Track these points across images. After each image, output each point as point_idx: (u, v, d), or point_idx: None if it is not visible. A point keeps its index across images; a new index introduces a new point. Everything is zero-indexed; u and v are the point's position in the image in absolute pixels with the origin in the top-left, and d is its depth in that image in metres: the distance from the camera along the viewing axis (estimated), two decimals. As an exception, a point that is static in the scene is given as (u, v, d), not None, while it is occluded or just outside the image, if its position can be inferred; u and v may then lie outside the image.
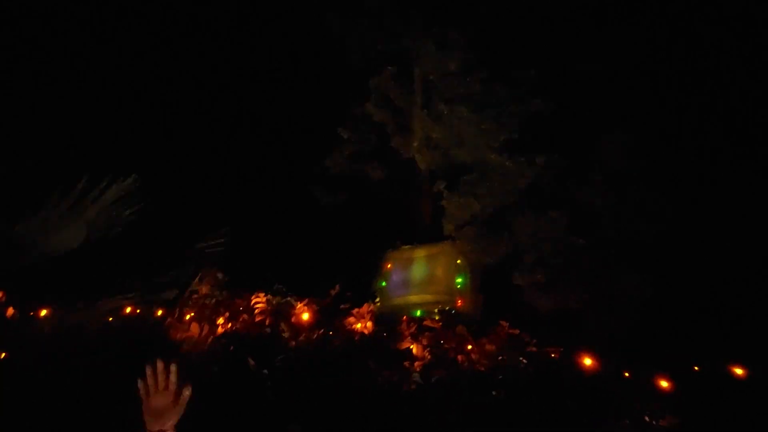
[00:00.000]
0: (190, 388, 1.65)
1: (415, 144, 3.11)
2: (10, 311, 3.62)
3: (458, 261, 3.37)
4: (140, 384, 1.65)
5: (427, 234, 3.59)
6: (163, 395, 1.60)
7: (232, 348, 2.40)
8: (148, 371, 1.65)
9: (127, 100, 3.53)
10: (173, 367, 1.64)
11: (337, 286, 2.62)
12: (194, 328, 2.81)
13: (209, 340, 2.64)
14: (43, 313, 3.49)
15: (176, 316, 3.00)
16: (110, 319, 2.91)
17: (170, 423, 1.57)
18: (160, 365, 1.63)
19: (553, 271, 2.67)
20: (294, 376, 2.13)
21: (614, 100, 2.90)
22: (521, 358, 2.33)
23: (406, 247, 3.58)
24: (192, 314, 2.91)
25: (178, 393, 1.62)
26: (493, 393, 2.06)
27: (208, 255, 2.64)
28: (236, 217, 2.85)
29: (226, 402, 2.23)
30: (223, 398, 2.21)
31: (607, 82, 2.88)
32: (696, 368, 2.09)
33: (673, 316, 2.43)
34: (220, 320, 2.66)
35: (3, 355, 3.35)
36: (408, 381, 2.14)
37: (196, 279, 2.60)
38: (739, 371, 2.04)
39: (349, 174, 3.57)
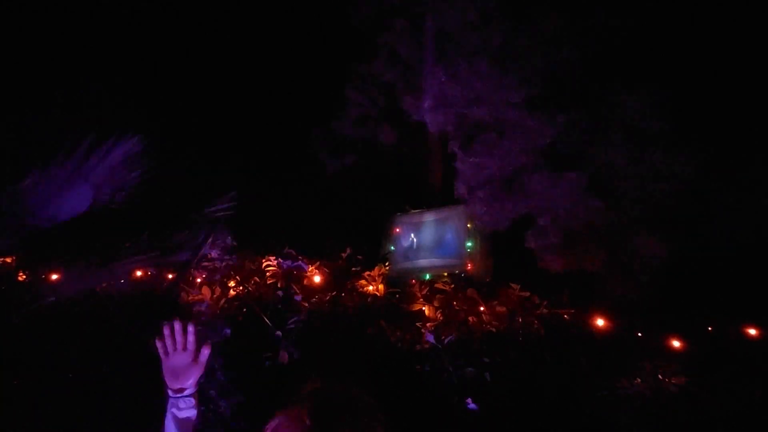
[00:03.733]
0: (210, 349, 1.66)
1: (427, 104, 2.99)
2: (21, 276, 3.64)
3: (468, 225, 3.34)
4: (158, 344, 1.65)
5: (438, 197, 3.54)
6: (182, 355, 1.60)
7: (245, 310, 2.42)
8: (166, 332, 1.65)
9: (130, 59, 3.39)
10: (191, 328, 1.64)
11: (348, 249, 2.61)
12: (206, 291, 2.83)
13: (221, 302, 2.66)
14: (54, 277, 3.52)
15: (188, 279, 3.01)
16: (122, 281, 2.93)
17: (190, 381, 1.58)
18: (177, 326, 1.63)
19: (569, 233, 2.63)
20: (307, 336, 2.15)
21: (638, 57, 2.75)
22: (533, 320, 2.35)
23: (416, 211, 3.54)
24: (203, 278, 2.92)
25: (196, 353, 1.62)
26: (505, 352, 2.08)
27: (218, 219, 2.62)
28: (243, 181, 2.81)
29: (240, 362, 2.27)
30: (236, 359, 2.25)
31: (632, 38, 2.72)
32: (710, 329, 2.09)
33: (690, 278, 2.41)
34: (232, 283, 2.67)
35: (16, 320, 3.40)
36: (421, 341, 2.17)
37: (206, 243, 2.58)
38: (752, 331, 2.04)
39: (356, 137, 3.48)
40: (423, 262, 3.34)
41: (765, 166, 2.43)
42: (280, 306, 2.35)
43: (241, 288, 2.56)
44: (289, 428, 1.48)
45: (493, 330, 2.34)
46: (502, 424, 1.58)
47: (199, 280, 2.93)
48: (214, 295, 2.75)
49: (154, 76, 3.38)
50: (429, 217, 3.52)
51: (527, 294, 2.59)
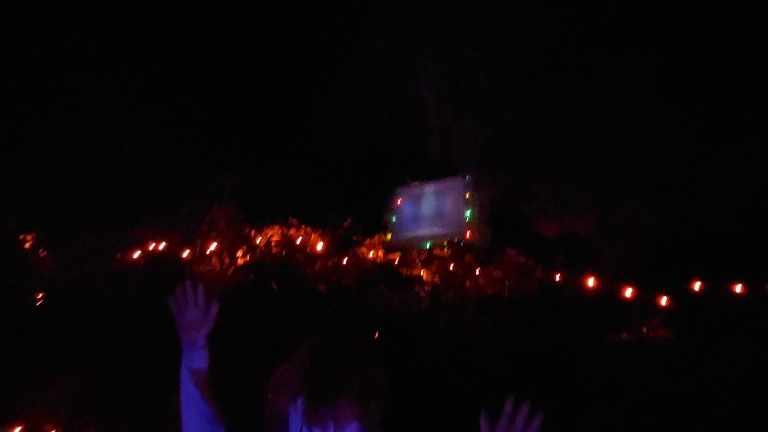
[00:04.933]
0: (218, 304, 1.81)
1: (421, 75, 3.02)
2: (43, 252, 3.83)
3: (467, 195, 3.42)
4: (171, 303, 1.82)
5: (438, 169, 3.60)
6: (193, 311, 1.76)
7: (252, 277, 2.55)
8: (178, 291, 1.80)
9: (132, 33, 3.42)
10: (200, 287, 1.79)
11: (349, 219, 2.72)
12: (215, 261, 2.98)
13: (230, 271, 2.81)
14: (73, 251, 3.69)
15: (197, 250, 3.16)
16: (136, 253, 3.08)
17: (201, 334, 1.75)
18: (188, 284, 1.78)
19: (561, 198, 2.69)
20: (310, 300, 2.28)
21: (628, 21, 2.72)
22: (527, 283, 2.44)
23: (416, 183, 3.62)
24: (212, 249, 3.06)
25: (206, 308, 1.78)
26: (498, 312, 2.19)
27: (223, 191, 2.73)
28: (246, 155, 2.90)
29: (249, 324, 2.42)
30: (247, 320, 2.40)
31: (621, 2, 2.69)
32: (697, 288, 2.16)
33: (683, 243, 2.47)
34: (239, 253, 2.81)
35: (41, 297, 3.60)
36: (418, 302, 2.28)
37: (213, 214, 2.71)
38: (738, 288, 2.11)
39: (355, 112, 3.52)
40: (423, 231, 3.44)
41: (760, 131, 2.44)
42: (284, 272, 2.48)
43: (248, 257, 2.70)
44: (291, 375, 1.62)
45: (489, 293, 2.44)
46: (493, 375, 1.70)
47: (208, 251, 3.07)
48: (224, 266, 2.90)
49: (154, 52, 3.43)
50: (429, 189, 3.60)
51: (523, 259, 2.67)
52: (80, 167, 2.33)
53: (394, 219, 3.56)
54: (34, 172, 2.43)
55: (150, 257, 3.16)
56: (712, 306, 2.02)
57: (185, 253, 3.00)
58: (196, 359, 1.72)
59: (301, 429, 1.51)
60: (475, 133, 2.73)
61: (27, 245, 3.81)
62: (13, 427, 3.01)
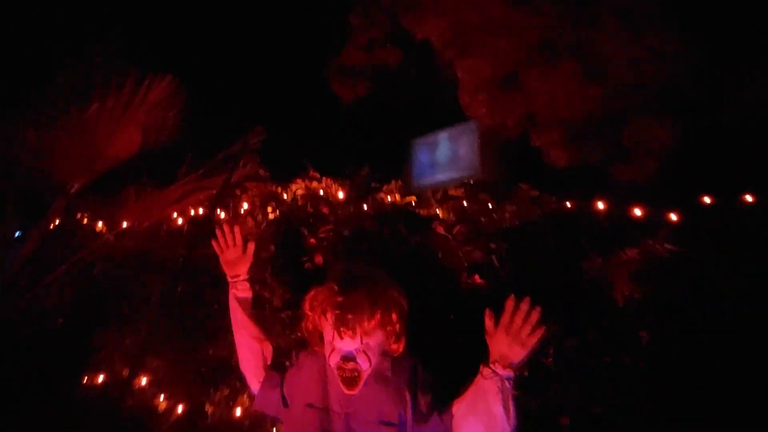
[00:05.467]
0: (254, 243, 2.07)
1: (426, 16, 3.01)
2: (99, 225, 4.23)
3: (479, 137, 3.48)
4: (215, 244, 2.10)
5: (451, 115, 3.66)
6: (233, 249, 2.05)
7: (283, 228, 2.80)
8: (219, 233, 2.08)
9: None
10: (237, 228, 2.05)
11: (366, 168, 2.88)
12: (249, 221, 3.25)
13: (263, 226, 3.07)
14: (125, 225, 4.06)
15: (231, 212, 3.44)
16: (179, 219, 3.39)
17: (243, 269, 2.04)
18: (227, 228, 2.05)
19: (570, 126, 2.69)
20: (336, 242, 2.50)
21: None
22: (541, 213, 2.54)
23: (431, 132, 3.71)
24: (244, 209, 3.33)
25: (244, 247, 2.05)
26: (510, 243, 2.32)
27: (249, 153, 2.94)
28: (263, 114, 3.05)
29: (284, 268, 2.69)
30: (282, 266, 2.67)
31: None
32: (708, 201, 2.18)
33: (695, 159, 2.45)
34: (269, 208, 3.05)
35: (96, 269, 4.00)
36: (435, 238, 2.44)
37: (243, 175, 2.94)
38: (749, 198, 2.11)
39: (366, 64, 3.58)
40: (440, 177, 3.56)
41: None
42: (311, 220, 2.70)
43: (277, 212, 2.94)
44: (321, 294, 1.88)
45: (504, 226, 2.56)
46: (506, 294, 1.85)
47: (242, 210, 3.34)
48: (257, 222, 3.16)
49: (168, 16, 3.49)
50: (443, 135, 3.68)
51: (536, 192, 2.76)
52: (112, 137, 2.57)
53: (412, 168, 3.70)
54: (72, 146, 2.70)
55: (192, 221, 3.47)
56: (721, 218, 2.06)
57: (222, 215, 3.29)
58: (241, 290, 2.02)
59: (333, 338, 1.77)
60: (479, 70, 2.74)
61: (85, 221, 4.23)
62: (98, 376, 3.50)
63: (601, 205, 2.31)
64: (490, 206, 2.59)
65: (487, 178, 3.07)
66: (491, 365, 1.59)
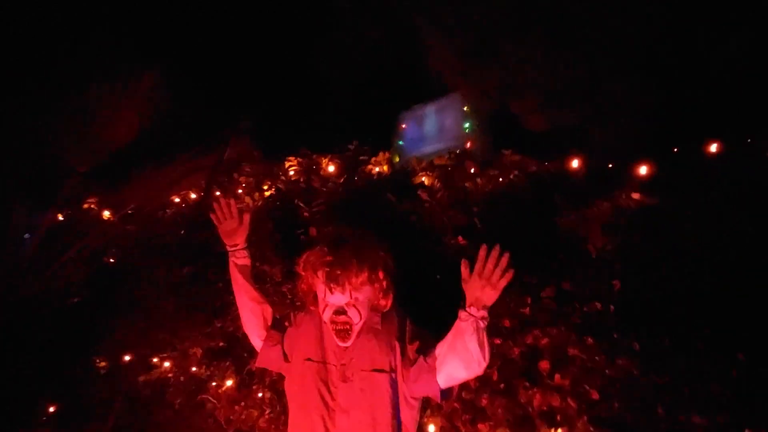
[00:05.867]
0: (249, 214, 2.22)
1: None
2: (106, 213, 4.39)
3: (465, 108, 3.57)
4: (213, 216, 2.25)
5: (437, 88, 3.74)
6: (230, 221, 2.20)
7: (279, 203, 2.94)
8: (215, 206, 2.23)
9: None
10: (232, 201, 2.20)
11: (355, 142, 2.99)
12: (248, 200, 3.39)
13: (260, 203, 3.22)
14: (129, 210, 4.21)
15: (227, 191, 3.58)
16: (177, 198, 3.53)
17: (241, 239, 2.20)
18: (223, 201, 2.20)
19: (546, 91, 2.77)
20: (328, 213, 2.64)
21: None
22: (523, 177, 2.66)
23: (418, 105, 3.80)
24: (241, 189, 3.47)
25: (240, 218, 2.20)
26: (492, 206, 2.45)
27: (243, 135, 3.06)
28: (253, 97, 3.15)
29: (282, 240, 2.84)
30: (279, 239, 2.82)
31: None
32: (677, 151, 2.28)
33: (678, 118, 2.52)
34: (265, 186, 3.19)
35: (112, 259, 4.18)
36: (421, 204, 2.58)
37: (236, 153, 3.07)
38: (713, 148, 2.21)
39: (353, 43, 3.64)
40: (428, 149, 3.67)
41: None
42: (305, 195, 2.83)
43: (273, 189, 3.08)
44: (312, 255, 2.04)
45: (487, 190, 2.69)
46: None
47: (240, 191, 3.48)
48: (255, 201, 3.31)
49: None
50: (429, 108, 3.78)
51: (518, 157, 2.87)
52: (110, 123, 2.68)
53: (400, 142, 3.81)
54: (75, 135, 2.82)
55: (192, 202, 3.62)
56: (690, 167, 2.16)
57: (218, 194, 3.43)
58: (240, 258, 2.18)
59: (325, 295, 1.93)
60: (449, 36, 2.79)
61: (93, 206, 4.39)
62: (124, 355, 3.72)
63: (576, 163, 2.42)
64: (473, 171, 2.71)
65: (474, 148, 3.18)
66: (467, 309, 1.75)
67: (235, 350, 3.37)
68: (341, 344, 1.96)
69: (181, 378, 3.48)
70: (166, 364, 3.60)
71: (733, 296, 2.06)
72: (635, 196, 2.10)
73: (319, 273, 1.99)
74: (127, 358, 3.84)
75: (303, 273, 2.09)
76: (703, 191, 2.15)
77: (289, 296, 2.68)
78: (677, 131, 2.38)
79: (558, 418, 2.08)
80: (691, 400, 1.88)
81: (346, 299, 1.91)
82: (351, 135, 2.99)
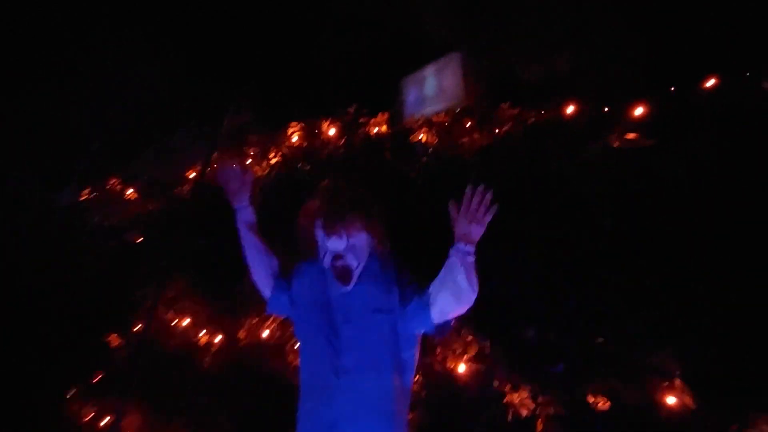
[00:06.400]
0: (252, 175, 2.35)
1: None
2: (132, 193, 4.62)
3: (463, 65, 3.56)
4: (219, 178, 2.39)
5: (434, 50, 3.74)
6: (235, 180, 2.32)
7: (284, 169, 3.07)
8: (219, 168, 2.36)
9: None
10: (235, 161, 2.32)
11: (354, 105, 3.06)
12: (257, 169, 3.53)
13: (267, 171, 3.35)
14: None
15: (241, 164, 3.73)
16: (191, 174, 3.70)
17: (245, 197, 2.33)
18: (226, 162, 2.32)
19: (538, 40, 2.74)
20: (327, 174, 2.74)
21: None
22: (520, 128, 2.67)
23: (416, 68, 3.81)
24: (250, 160, 3.61)
25: (243, 177, 2.33)
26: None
27: (245, 108, 3.17)
28: (253, 70, 3.22)
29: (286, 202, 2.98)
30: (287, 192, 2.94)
31: None
32: (672, 90, 2.24)
33: (669, 66, 2.46)
34: (271, 154, 3.32)
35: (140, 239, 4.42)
36: (419, 162, 2.64)
37: (239, 123, 3.19)
38: (709, 83, 2.16)
39: (349, 12, 3.65)
40: (428, 110, 3.69)
41: None
42: (308, 160, 2.95)
43: (279, 156, 3.20)
44: (310, 205, 2.16)
45: (485, 143, 2.72)
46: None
47: (248, 161, 3.62)
48: (263, 170, 3.45)
49: None
50: (429, 70, 3.78)
51: (516, 110, 2.88)
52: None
53: (403, 107, 3.84)
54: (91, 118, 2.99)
55: (207, 178, 3.80)
56: (684, 105, 2.13)
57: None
58: (246, 215, 2.33)
59: (323, 241, 2.05)
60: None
61: (118, 187, 4.64)
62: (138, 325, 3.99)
63: (570, 109, 2.43)
64: (468, 125, 2.75)
65: (473, 105, 3.19)
66: (456, 245, 1.84)
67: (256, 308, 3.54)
68: (342, 288, 2.09)
69: (213, 341, 3.72)
70: (193, 327, 3.85)
71: (732, 235, 2.06)
72: (630, 136, 2.11)
73: (317, 221, 2.12)
74: (155, 325, 4.12)
75: (303, 223, 2.22)
76: (701, 128, 2.13)
77: (294, 248, 2.82)
78: (674, 71, 2.34)
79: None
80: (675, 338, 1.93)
81: (343, 244, 2.03)
82: (351, 98, 3.06)
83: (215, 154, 3.00)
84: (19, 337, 3.82)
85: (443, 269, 1.91)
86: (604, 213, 2.14)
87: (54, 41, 3.02)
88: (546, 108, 2.54)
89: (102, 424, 4.44)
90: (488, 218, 1.80)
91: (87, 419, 3.96)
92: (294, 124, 3.06)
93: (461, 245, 1.83)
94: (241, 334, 3.44)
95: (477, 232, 1.82)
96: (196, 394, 3.66)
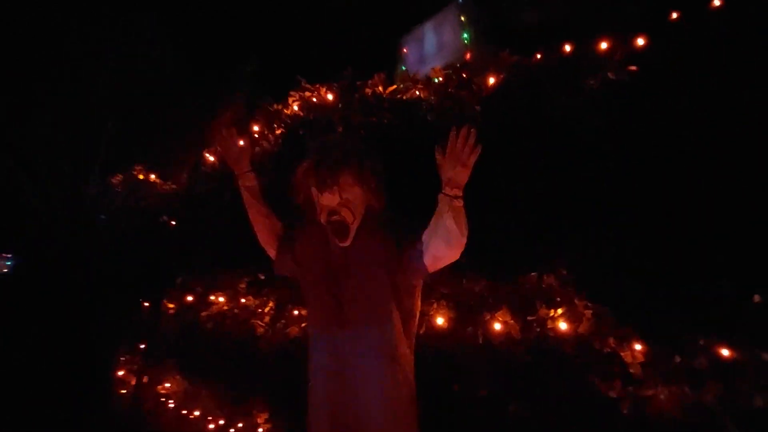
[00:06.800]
0: (248, 140, 2.41)
1: None
2: (153, 177, 4.87)
3: (462, 18, 3.43)
4: (218, 146, 2.47)
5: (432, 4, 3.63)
6: (233, 146, 2.39)
7: (285, 132, 3.14)
8: (218, 137, 2.44)
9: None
10: (233, 129, 2.40)
11: (350, 68, 3.05)
12: (264, 143, 3.62)
13: (273, 142, 3.44)
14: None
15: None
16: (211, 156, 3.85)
17: (246, 162, 2.39)
18: (224, 131, 2.39)
19: None
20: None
21: None
22: (515, 77, 2.58)
23: (416, 26, 3.72)
24: (256, 135, 3.70)
25: (241, 144, 2.39)
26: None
27: (244, 77, 3.25)
28: (251, 41, 3.27)
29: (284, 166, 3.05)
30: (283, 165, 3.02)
31: None
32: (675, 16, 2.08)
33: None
34: (275, 125, 3.38)
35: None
36: (417, 119, 2.62)
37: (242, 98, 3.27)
38: (717, 2, 1.98)
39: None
40: (429, 68, 3.60)
41: None
42: (310, 125, 2.99)
43: (282, 126, 3.26)
44: (304, 164, 2.20)
45: (483, 95, 2.66)
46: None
47: (255, 134, 3.72)
48: (270, 144, 3.53)
49: None
50: (427, 26, 3.68)
51: (515, 58, 2.77)
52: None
53: (403, 67, 3.79)
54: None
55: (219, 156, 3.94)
56: (687, 33, 1.98)
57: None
58: (248, 180, 2.42)
59: (318, 198, 2.10)
60: None
61: (140, 176, 4.90)
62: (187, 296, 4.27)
63: (567, 48, 2.32)
64: (464, 76, 2.68)
65: (474, 59, 3.10)
66: (443, 190, 1.84)
67: (274, 280, 3.72)
68: (341, 244, 2.15)
69: (235, 310, 3.94)
70: (221, 299, 4.08)
71: (735, 168, 1.94)
72: (630, 69, 2.00)
73: (310, 179, 2.17)
74: (189, 298, 4.40)
75: (297, 183, 2.29)
76: (707, 55, 1.98)
77: (296, 209, 2.90)
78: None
79: (557, 299, 2.15)
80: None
81: (337, 200, 2.08)
82: (347, 61, 3.05)
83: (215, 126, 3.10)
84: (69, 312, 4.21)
85: (434, 216, 1.93)
86: (602, 145, 2.06)
87: (55, 31, 3.19)
88: (544, 51, 2.44)
89: (146, 387, 4.85)
90: (473, 159, 1.79)
91: (133, 383, 4.35)
92: (293, 93, 3.10)
93: (448, 189, 1.83)
94: (263, 312, 3.60)
95: (462, 174, 1.81)
96: (232, 364, 3.93)
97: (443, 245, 1.91)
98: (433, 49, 3.67)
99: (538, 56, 2.44)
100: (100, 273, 4.18)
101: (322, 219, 2.15)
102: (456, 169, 1.81)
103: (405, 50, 3.84)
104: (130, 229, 4.31)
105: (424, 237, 1.98)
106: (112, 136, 3.56)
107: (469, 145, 1.80)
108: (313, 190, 2.14)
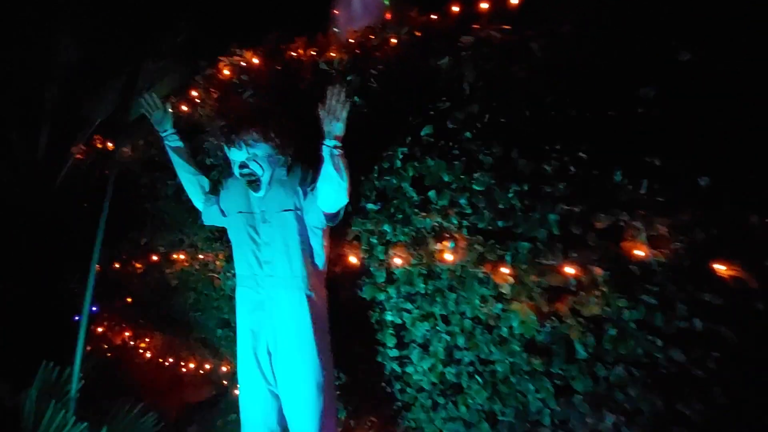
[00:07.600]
0: (170, 103, 2.62)
1: None
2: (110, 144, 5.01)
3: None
4: (143, 110, 2.69)
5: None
6: (156, 111, 2.60)
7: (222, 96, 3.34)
8: (142, 102, 2.65)
9: None
10: (154, 94, 2.58)
11: (276, 33, 3.22)
12: (206, 108, 3.81)
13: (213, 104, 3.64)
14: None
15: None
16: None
17: (169, 125, 2.65)
18: (148, 96, 2.58)
19: None
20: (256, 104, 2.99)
21: None
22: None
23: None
24: (197, 100, 3.87)
25: (164, 107, 2.58)
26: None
27: (177, 44, 3.39)
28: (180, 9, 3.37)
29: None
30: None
31: None
32: None
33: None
34: (212, 92, 3.58)
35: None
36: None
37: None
38: None
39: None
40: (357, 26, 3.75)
41: None
42: (239, 90, 3.20)
43: (217, 92, 3.46)
44: (214, 128, 2.44)
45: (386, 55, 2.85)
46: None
47: (199, 107, 3.89)
48: (212, 106, 3.72)
49: None
50: (353, -13, 3.78)
51: (424, 17, 2.95)
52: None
53: (336, 29, 3.92)
54: None
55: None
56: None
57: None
58: (173, 141, 2.68)
59: (229, 154, 2.39)
60: None
61: (99, 145, 5.07)
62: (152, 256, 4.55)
63: (455, 8, 2.52)
64: (371, 37, 2.88)
65: (391, 17, 3.25)
66: (324, 141, 2.14)
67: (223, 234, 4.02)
68: (256, 194, 2.47)
69: (196, 266, 4.27)
70: (182, 256, 4.41)
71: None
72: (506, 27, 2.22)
73: (219, 138, 2.45)
74: (155, 258, 4.72)
75: (216, 142, 2.57)
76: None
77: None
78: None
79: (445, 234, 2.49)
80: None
81: (244, 155, 2.37)
82: (274, 25, 3.22)
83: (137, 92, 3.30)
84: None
85: (322, 165, 2.23)
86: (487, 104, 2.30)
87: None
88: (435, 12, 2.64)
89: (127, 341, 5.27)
90: (344, 113, 2.07)
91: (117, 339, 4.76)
92: (223, 58, 3.28)
93: (327, 140, 2.13)
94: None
95: (338, 127, 2.10)
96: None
97: (327, 188, 2.23)
98: (359, 9, 3.79)
99: (433, 16, 2.64)
100: (64, 238, 4.49)
101: (236, 172, 2.45)
102: (332, 122, 2.09)
103: (335, 12, 3.96)
104: (94, 195, 4.55)
105: (317, 183, 2.29)
106: (56, 105, 3.74)
107: (341, 101, 2.07)
108: (225, 147, 2.43)
